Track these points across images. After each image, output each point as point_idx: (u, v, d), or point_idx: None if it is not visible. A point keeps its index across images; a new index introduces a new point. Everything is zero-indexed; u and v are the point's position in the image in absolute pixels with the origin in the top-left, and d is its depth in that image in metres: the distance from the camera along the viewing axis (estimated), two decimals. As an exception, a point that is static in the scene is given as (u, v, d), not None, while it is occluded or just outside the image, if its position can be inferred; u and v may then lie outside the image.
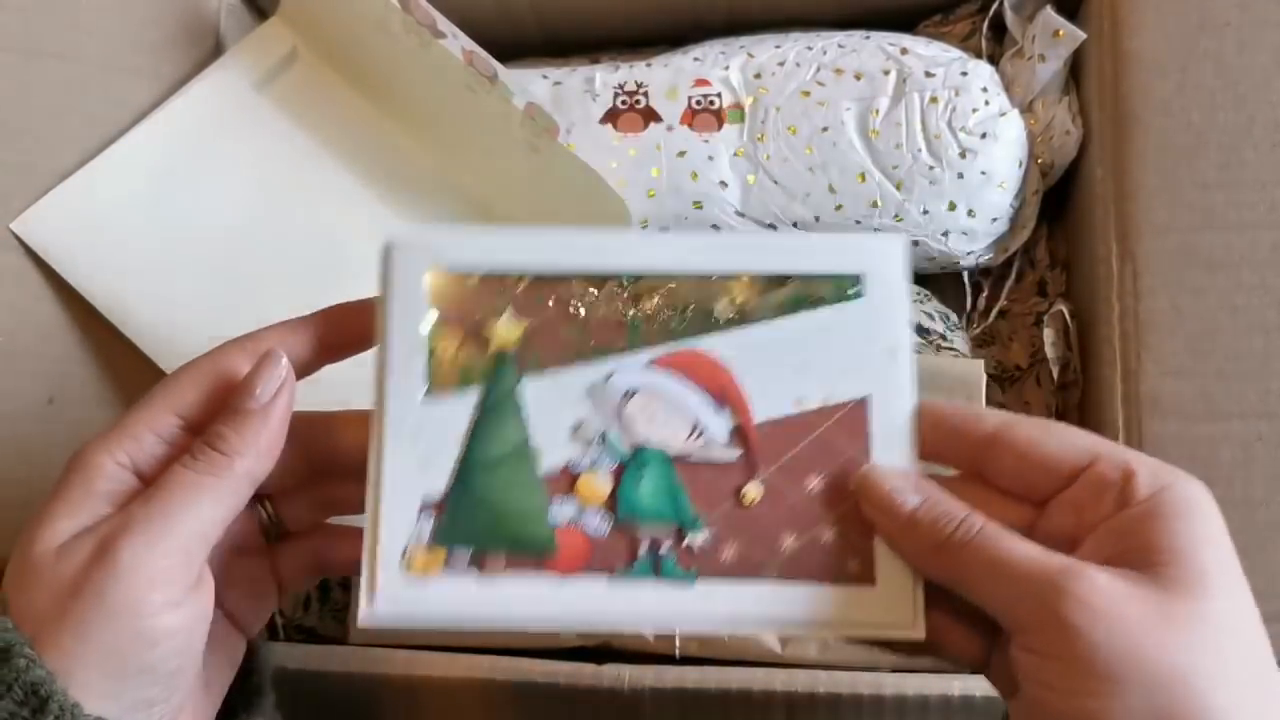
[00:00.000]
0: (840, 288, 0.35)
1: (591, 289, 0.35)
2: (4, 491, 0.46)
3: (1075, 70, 0.56)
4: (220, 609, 0.34)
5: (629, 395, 0.34)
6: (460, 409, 0.34)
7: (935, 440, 0.34)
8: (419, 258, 0.35)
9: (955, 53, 0.56)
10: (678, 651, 0.48)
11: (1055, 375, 0.53)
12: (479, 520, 0.33)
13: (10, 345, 0.47)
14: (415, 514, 0.33)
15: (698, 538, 0.33)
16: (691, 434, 0.34)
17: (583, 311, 0.35)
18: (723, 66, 0.56)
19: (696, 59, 0.57)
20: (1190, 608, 0.28)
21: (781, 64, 0.56)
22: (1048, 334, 0.53)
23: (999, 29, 0.58)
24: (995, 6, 0.58)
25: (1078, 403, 0.54)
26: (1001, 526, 0.31)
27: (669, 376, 0.34)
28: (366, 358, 0.35)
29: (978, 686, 0.42)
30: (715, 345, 0.34)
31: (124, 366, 0.51)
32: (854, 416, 0.34)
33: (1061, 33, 0.53)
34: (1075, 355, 0.54)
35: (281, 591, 0.37)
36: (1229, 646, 0.28)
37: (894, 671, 0.43)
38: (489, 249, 0.35)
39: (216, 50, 0.58)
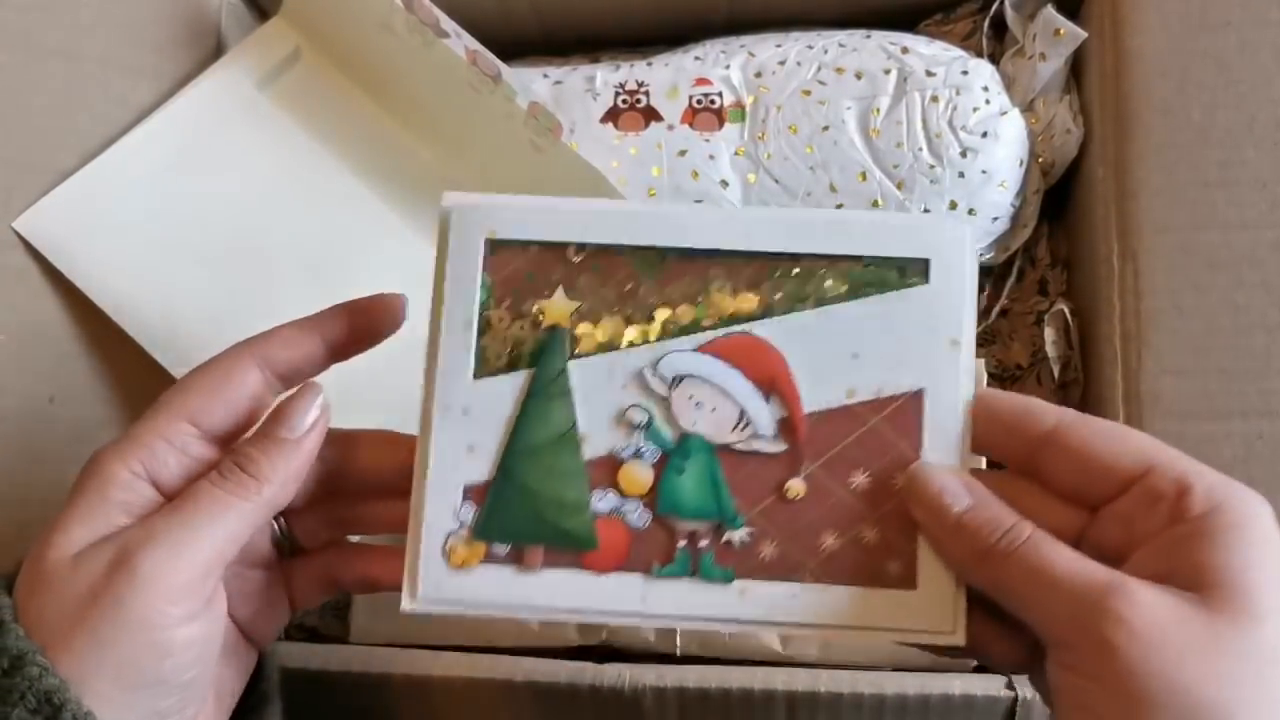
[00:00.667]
0: (905, 272, 0.33)
1: (648, 265, 0.34)
2: (6, 490, 0.46)
3: (1076, 69, 0.56)
4: (231, 619, 0.35)
5: (677, 381, 0.33)
6: (509, 389, 0.34)
7: (988, 434, 0.33)
8: (476, 224, 0.34)
9: (956, 52, 0.56)
10: (679, 651, 0.48)
11: (1056, 374, 0.53)
12: (520, 512, 0.33)
13: (11, 344, 0.47)
14: (459, 501, 0.33)
15: (737, 534, 0.33)
16: (738, 424, 0.33)
17: (637, 290, 0.34)
18: (723, 65, 0.56)
19: (697, 58, 0.57)
20: (1236, 635, 0.27)
21: (782, 63, 0.56)
22: (1049, 333, 0.53)
23: (1000, 28, 0.58)
24: (996, 5, 0.57)
25: (1078, 402, 0.54)
26: (1049, 536, 0.30)
27: (718, 363, 0.33)
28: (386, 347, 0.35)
29: (978, 686, 0.42)
30: (768, 330, 0.33)
31: (126, 365, 0.51)
32: (907, 410, 0.33)
33: (1062, 31, 0.53)
34: (1076, 354, 0.54)
35: (294, 607, 0.37)
36: (1273, 678, 0.27)
37: (895, 670, 0.43)
38: (547, 217, 0.34)
39: (217, 49, 0.58)
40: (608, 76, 0.57)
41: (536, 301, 0.34)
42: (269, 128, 0.54)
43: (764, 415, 0.33)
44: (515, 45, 0.62)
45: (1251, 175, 0.47)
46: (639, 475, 0.33)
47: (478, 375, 0.34)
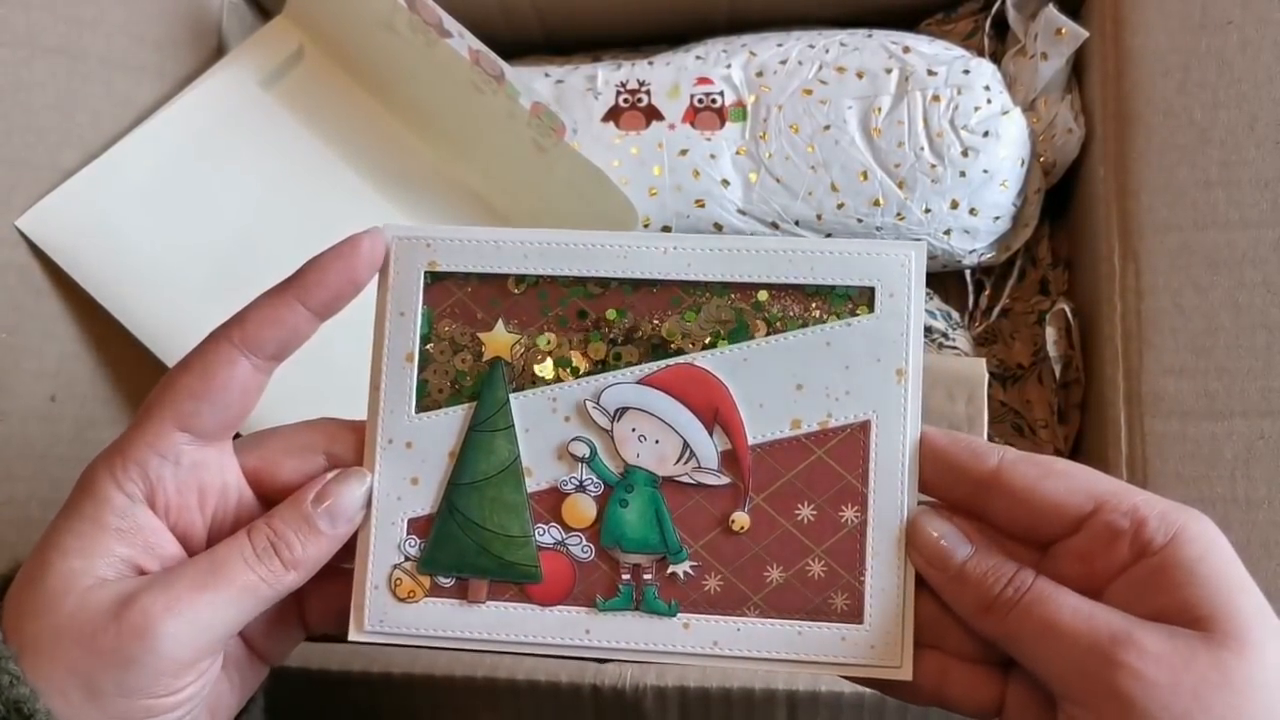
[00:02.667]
0: (851, 301, 0.33)
1: (589, 297, 0.34)
2: (8, 489, 0.46)
3: (1077, 69, 0.56)
4: (241, 637, 0.34)
5: (619, 414, 0.33)
6: (452, 423, 0.34)
7: (933, 474, 0.32)
8: (416, 256, 0.34)
9: (957, 51, 0.56)
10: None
11: (1057, 374, 0.53)
12: (464, 545, 0.33)
13: (13, 342, 0.47)
14: (402, 534, 0.33)
15: (681, 568, 0.33)
16: (682, 456, 0.33)
17: (578, 321, 0.34)
18: (725, 65, 0.56)
19: (699, 57, 0.57)
20: (1241, 665, 0.27)
21: (784, 62, 0.56)
22: (1050, 332, 0.53)
23: (1001, 27, 0.58)
24: (997, 5, 0.57)
25: (1079, 401, 0.54)
26: (1052, 583, 0.30)
27: (661, 395, 0.33)
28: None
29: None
30: (712, 362, 0.33)
31: (128, 363, 0.51)
32: (854, 441, 0.33)
33: (1064, 31, 0.53)
34: (1077, 354, 0.53)
35: (308, 629, 0.37)
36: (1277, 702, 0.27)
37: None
38: (487, 248, 0.34)
39: (219, 48, 0.58)
40: (609, 76, 0.57)
41: (477, 334, 0.34)
42: (272, 126, 0.54)
43: (708, 447, 0.33)
44: (517, 45, 0.62)
45: (1253, 174, 0.47)
46: (582, 509, 0.33)
47: (419, 409, 0.34)
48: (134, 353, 0.50)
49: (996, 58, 0.57)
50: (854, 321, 0.33)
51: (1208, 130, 0.48)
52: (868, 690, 0.42)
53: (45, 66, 0.49)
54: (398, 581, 0.33)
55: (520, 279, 0.34)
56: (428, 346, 0.34)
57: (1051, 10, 0.54)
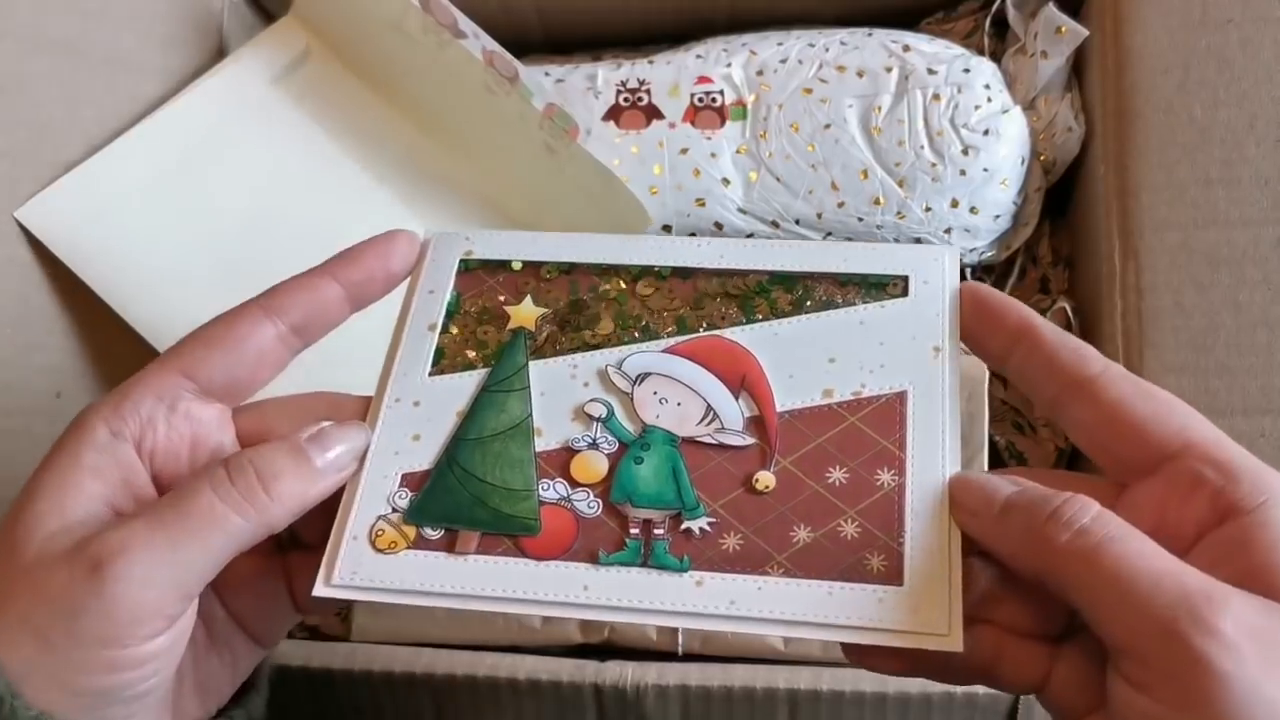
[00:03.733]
0: (884, 288, 0.33)
1: (620, 281, 0.34)
2: (11, 489, 0.46)
3: (1078, 67, 0.56)
4: (226, 611, 0.32)
5: (641, 378, 0.32)
6: (465, 384, 0.33)
7: (1029, 366, 0.30)
8: (454, 245, 0.35)
9: (957, 50, 0.56)
10: (680, 649, 0.48)
11: (1058, 372, 0.53)
12: (460, 496, 0.31)
13: (18, 339, 0.47)
14: (394, 487, 0.31)
15: (697, 523, 0.30)
16: (704, 418, 0.31)
17: (608, 302, 0.34)
18: (725, 64, 0.56)
19: (699, 56, 0.57)
20: None
21: (784, 61, 0.56)
22: (1050, 331, 0.53)
23: (1001, 26, 0.58)
24: (998, 3, 0.57)
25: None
26: (1123, 522, 0.26)
27: (685, 362, 0.32)
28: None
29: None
30: (740, 335, 0.32)
31: (134, 361, 0.51)
32: (889, 410, 0.31)
33: (1064, 29, 0.53)
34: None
35: (299, 606, 0.34)
36: None
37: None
38: (525, 243, 0.35)
39: (220, 47, 0.58)
40: (609, 75, 0.57)
41: (504, 306, 0.34)
42: (277, 124, 0.54)
43: (732, 410, 0.31)
44: (517, 44, 0.62)
45: (1253, 173, 0.47)
46: (593, 465, 0.31)
47: (434, 372, 0.33)
48: (141, 349, 0.50)
49: (996, 56, 0.57)
50: (888, 304, 0.32)
51: (1208, 128, 0.48)
52: (868, 688, 0.42)
53: (49, 62, 0.49)
54: (379, 532, 0.30)
55: (554, 266, 0.34)
56: (452, 318, 0.34)
57: (1051, 9, 0.54)
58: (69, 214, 0.49)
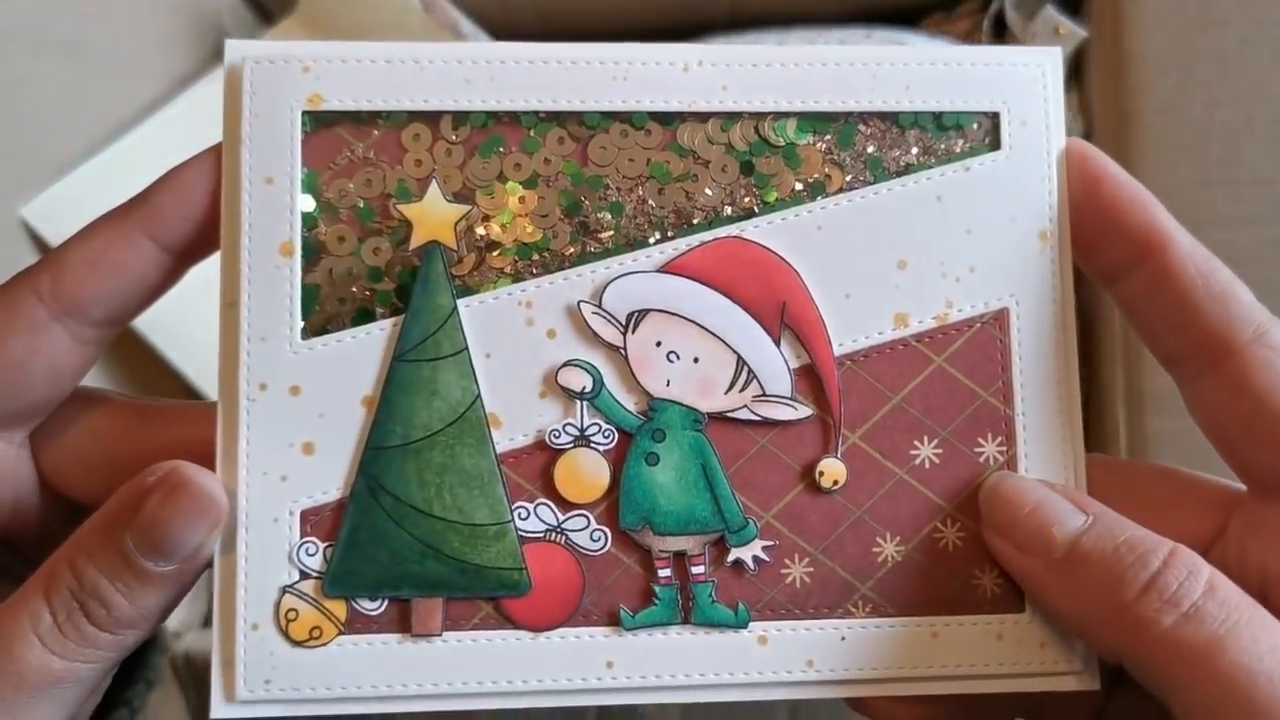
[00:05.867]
0: (965, 134, 0.23)
1: (571, 140, 0.22)
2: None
3: (1077, 68, 0.56)
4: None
5: (635, 319, 0.22)
6: (364, 350, 0.22)
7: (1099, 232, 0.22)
8: (287, 85, 0.22)
9: (957, 50, 0.56)
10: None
11: (1057, 371, 0.54)
12: (397, 545, 0.21)
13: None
14: (294, 535, 0.21)
15: (748, 551, 0.22)
16: (735, 381, 0.22)
17: (558, 180, 0.22)
18: (725, 64, 0.56)
19: (699, 56, 0.57)
20: None
21: (783, 61, 0.56)
22: (1049, 330, 0.53)
23: (1000, 26, 0.58)
24: (997, 3, 0.58)
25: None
26: (1245, 597, 0.19)
27: (696, 287, 0.22)
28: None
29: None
30: (768, 233, 0.22)
31: (132, 360, 0.51)
32: (987, 341, 0.23)
33: (1063, 30, 0.53)
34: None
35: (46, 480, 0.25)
36: None
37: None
38: (405, 71, 0.22)
39: (218, 49, 0.58)
40: (609, 75, 0.57)
41: (397, 205, 0.22)
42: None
43: (774, 363, 0.22)
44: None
45: (1252, 173, 0.47)
46: (586, 471, 0.22)
47: (308, 333, 0.22)
48: (141, 349, 0.50)
49: (996, 56, 0.57)
50: (973, 164, 0.23)
51: (1206, 129, 0.48)
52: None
53: (50, 63, 0.49)
54: (290, 614, 0.21)
55: (461, 118, 0.22)
56: (316, 231, 0.22)
57: (1050, 9, 0.54)
58: (73, 212, 0.49)
